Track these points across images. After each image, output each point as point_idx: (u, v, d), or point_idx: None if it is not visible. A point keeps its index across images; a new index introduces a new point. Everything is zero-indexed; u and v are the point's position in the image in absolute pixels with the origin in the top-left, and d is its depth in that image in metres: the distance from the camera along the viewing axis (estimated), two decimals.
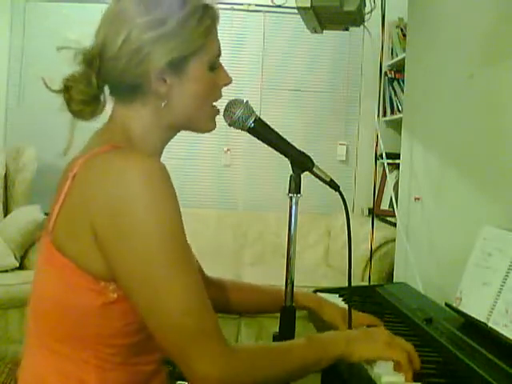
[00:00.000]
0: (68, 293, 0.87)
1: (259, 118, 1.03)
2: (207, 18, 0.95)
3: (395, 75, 3.66)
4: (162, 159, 1.15)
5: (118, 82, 0.93)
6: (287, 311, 1.07)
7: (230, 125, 1.03)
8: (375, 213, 2.97)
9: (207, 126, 1.02)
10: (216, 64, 0.99)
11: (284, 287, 1.08)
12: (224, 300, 1.28)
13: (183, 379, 1.47)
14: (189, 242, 0.89)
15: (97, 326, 0.87)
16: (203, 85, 0.97)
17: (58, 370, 0.89)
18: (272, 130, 1.05)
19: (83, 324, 0.87)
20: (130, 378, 0.92)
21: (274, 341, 1.07)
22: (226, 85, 1.02)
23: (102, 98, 0.95)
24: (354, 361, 0.96)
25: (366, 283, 2.89)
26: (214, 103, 1.01)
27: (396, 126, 3.45)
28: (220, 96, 1.02)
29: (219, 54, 0.99)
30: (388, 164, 2.75)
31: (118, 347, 0.89)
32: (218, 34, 1.00)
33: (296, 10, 2.05)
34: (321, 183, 1.05)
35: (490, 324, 1.12)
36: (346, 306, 1.27)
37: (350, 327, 1.10)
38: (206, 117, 1.00)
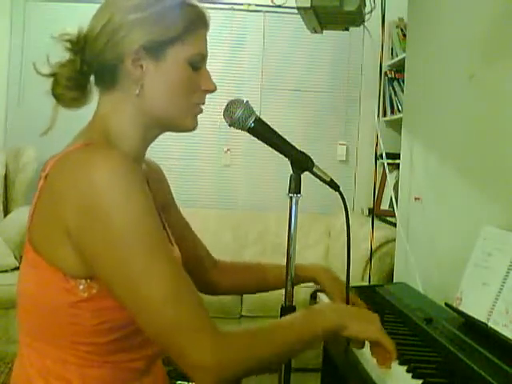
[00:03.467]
0: (41, 290, 0.88)
1: (259, 118, 1.03)
2: (191, 15, 0.97)
3: (395, 75, 3.66)
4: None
5: (97, 64, 0.95)
6: (287, 311, 1.07)
7: (230, 125, 1.03)
8: (375, 213, 2.97)
9: (186, 123, 1.00)
10: (199, 64, 0.99)
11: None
12: (231, 281, 1.30)
13: (183, 379, 1.47)
14: None
15: (69, 324, 0.87)
16: (180, 77, 0.96)
17: (41, 369, 0.90)
18: (272, 130, 1.05)
19: (57, 322, 0.88)
20: (116, 375, 0.92)
21: None
22: (208, 91, 1.01)
23: (87, 87, 0.97)
24: (344, 335, 0.94)
25: (366, 283, 2.89)
26: (200, 106, 1.01)
27: (396, 125, 3.45)
28: (202, 101, 1.01)
29: (203, 56, 0.99)
30: (388, 164, 2.75)
31: (93, 345, 0.89)
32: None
33: (296, 10, 2.05)
34: (321, 183, 1.05)
35: (489, 324, 1.12)
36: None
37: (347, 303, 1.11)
38: (185, 113, 0.99)
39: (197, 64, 0.98)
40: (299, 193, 1.05)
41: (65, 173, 0.85)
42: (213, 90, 1.02)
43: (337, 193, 1.06)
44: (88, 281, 0.86)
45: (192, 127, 1.01)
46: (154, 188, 1.11)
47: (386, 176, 3.26)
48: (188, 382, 1.59)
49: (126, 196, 0.81)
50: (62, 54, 0.96)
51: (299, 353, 0.92)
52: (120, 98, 0.96)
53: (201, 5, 0.99)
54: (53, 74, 0.95)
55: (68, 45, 0.95)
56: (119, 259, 0.81)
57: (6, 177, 3.57)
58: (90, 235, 0.82)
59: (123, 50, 0.93)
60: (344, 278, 1.09)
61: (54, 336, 0.89)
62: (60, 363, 0.89)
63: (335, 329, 0.93)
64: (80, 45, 0.95)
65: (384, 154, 2.47)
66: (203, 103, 1.02)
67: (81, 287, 0.86)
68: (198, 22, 0.98)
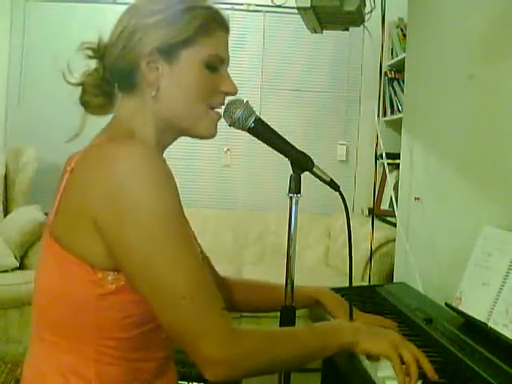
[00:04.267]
0: (66, 284, 0.88)
1: (259, 118, 1.03)
2: (205, 17, 0.96)
3: (395, 75, 3.66)
4: None
5: (116, 69, 0.96)
6: (287, 311, 1.07)
7: (230, 125, 1.03)
8: (375, 213, 2.97)
9: (201, 129, 0.99)
10: (216, 65, 0.98)
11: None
12: (233, 299, 1.27)
13: (184, 379, 1.47)
14: None
15: (95, 318, 0.87)
16: (195, 79, 0.96)
17: (58, 365, 0.90)
18: (272, 130, 1.05)
19: (82, 316, 0.88)
20: (131, 375, 0.92)
21: None
22: (228, 93, 1.00)
23: (113, 94, 0.99)
24: (357, 352, 0.96)
25: (366, 283, 2.89)
26: (217, 109, 1.00)
27: (396, 125, 3.45)
28: (221, 102, 1.01)
29: (220, 58, 0.98)
30: (388, 164, 2.75)
31: (117, 340, 0.89)
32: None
33: (296, 10, 2.05)
34: (321, 183, 1.05)
35: (489, 324, 1.12)
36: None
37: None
38: (201, 118, 0.98)
39: (214, 65, 0.97)
40: (299, 193, 1.05)
41: (91, 164, 0.85)
42: (233, 91, 1.00)
43: (337, 193, 1.06)
44: (116, 273, 0.86)
45: (209, 134, 1.00)
46: None
47: (386, 176, 3.26)
48: (188, 382, 1.59)
49: (153, 186, 0.82)
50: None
51: (310, 362, 0.94)
52: (138, 101, 0.97)
53: (217, 6, 0.99)
54: (81, 83, 0.97)
55: (89, 53, 0.97)
56: (143, 250, 0.82)
57: (6, 177, 3.57)
58: (116, 225, 0.82)
59: (139, 52, 0.94)
60: (344, 277, 1.09)
61: (78, 331, 0.89)
62: (79, 359, 0.89)
63: (348, 346, 0.95)
64: (101, 52, 0.97)
65: (384, 154, 2.47)
66: (222, 104, 1.01)
67: (109, 278, 0.86)
68: (212, 24, 0.97)
